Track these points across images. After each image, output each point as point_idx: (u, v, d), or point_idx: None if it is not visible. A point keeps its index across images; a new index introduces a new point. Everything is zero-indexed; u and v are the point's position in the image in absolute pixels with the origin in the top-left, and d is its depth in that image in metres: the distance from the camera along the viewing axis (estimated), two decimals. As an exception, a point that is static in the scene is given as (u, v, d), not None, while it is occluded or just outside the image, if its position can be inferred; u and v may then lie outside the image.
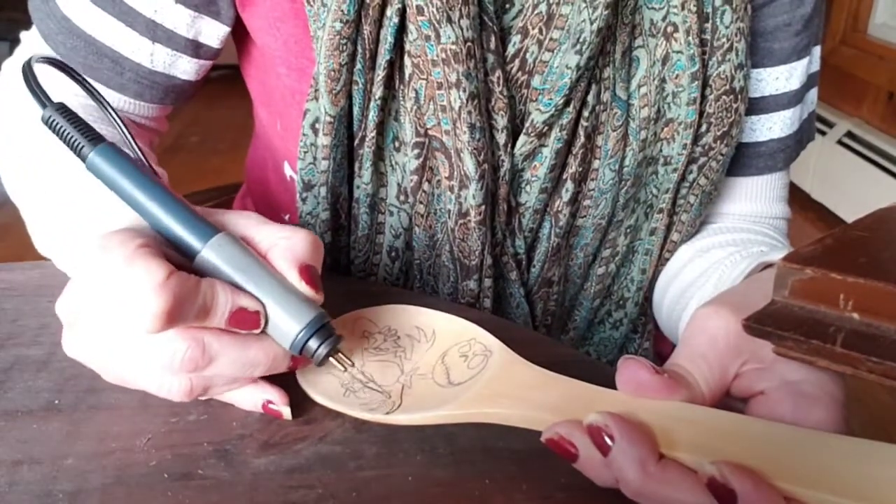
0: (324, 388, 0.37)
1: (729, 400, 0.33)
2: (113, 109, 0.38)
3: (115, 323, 0.32)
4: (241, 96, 0.73)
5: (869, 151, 2.11)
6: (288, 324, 0.33)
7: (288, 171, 0.58)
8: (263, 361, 0.34)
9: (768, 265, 0.46)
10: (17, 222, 0.48)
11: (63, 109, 0.35)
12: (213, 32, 0.52)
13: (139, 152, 0.37)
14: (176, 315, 0.30)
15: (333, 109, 0.47)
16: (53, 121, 0.35)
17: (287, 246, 0.34)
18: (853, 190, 2.12)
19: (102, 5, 0.50)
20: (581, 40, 0.46)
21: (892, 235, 0.34)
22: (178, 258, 0.34)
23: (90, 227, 0.41)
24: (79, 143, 0.34)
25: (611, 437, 0.28)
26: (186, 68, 0.53)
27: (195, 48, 0.52)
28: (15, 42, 0.56)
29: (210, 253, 0.33)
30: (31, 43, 0.54)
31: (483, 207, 0.48)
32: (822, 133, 2.24)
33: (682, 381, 0.31)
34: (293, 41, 0.50)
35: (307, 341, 0.34)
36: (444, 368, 0.38)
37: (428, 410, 0.34)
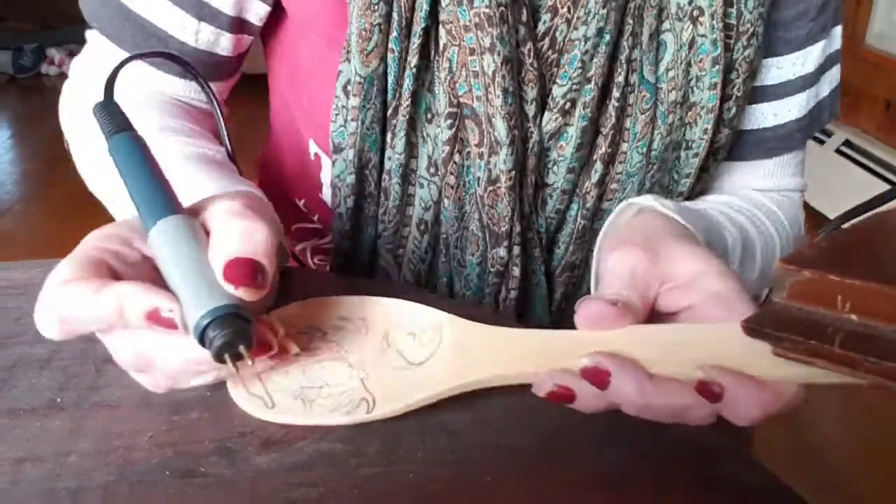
0: (281, 406, 0.35)
1: (656, 319, 0.36)
2: (211, 91, 0.45)
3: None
4: (242, 95, 0.73)
5: (867, 160, 2.11)
6: (192, 311, 0.31)
7: (313, 147, 0.58)
8: (206, 359, 0.31)
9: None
10: (19, 230, 0.49)
11: (109, 104, 0.38)
12: (256, 10, 0.55)
13: (225, 135, 0.44)
14: (68, 324, 0.32)
15: (364, 70, 0.47)
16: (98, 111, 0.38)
17: (218, 242, 0.33)
18: (851, 198, 2.10)
19: None
20: (587, 10, 0.47)
21: (890, 238, 0.34)
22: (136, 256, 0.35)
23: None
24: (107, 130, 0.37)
25: (607, 372, 0.31)
26: (226, 45, 0.55)
27: (239, 25, 0.54)
28: (18, 51, 0.56)
29: (154, 234, 0.33)
30: (93, 41, 0.57)
31: (513, 173, 0.48)
32: (821, 142, 2.24)
33: (629, 306, 0.34)
34: (331, 3, 0.50)
35: (205, 328, 0.30)
36: (394, 351, 0.37)
37: (407, 399, 0.35)
